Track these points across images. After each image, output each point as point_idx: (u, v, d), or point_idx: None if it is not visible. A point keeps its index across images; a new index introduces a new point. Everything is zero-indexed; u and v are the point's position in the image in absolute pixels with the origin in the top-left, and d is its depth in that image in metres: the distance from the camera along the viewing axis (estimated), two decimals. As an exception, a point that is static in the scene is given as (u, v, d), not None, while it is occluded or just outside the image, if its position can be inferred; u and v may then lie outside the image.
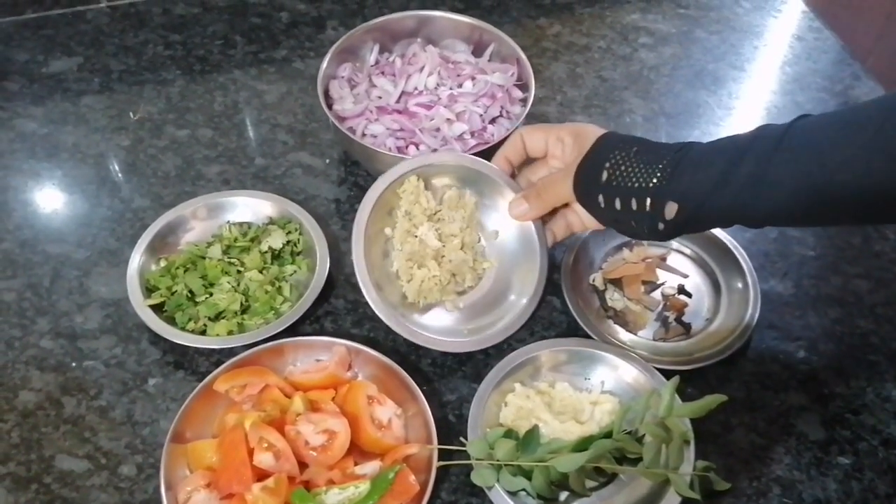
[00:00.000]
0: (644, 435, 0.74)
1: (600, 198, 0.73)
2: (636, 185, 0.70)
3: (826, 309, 0.89)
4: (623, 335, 0.84)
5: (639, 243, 0.92)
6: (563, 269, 0.87)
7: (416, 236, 0.85)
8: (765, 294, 0.88)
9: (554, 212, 0.83)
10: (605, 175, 0.72)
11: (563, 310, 0.87)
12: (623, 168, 0.71)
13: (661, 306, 0.88)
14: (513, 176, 0.86)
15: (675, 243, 0.92)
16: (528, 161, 0.84)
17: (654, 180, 0.69)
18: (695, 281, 0.90)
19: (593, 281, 0.90)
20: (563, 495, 0.74)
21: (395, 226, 0.86)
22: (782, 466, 0.77)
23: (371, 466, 0.73)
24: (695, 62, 1.15)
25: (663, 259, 0.92)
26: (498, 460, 0.72)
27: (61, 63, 1.10)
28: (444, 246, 0.86)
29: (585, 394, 0.79)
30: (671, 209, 0.69)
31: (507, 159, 0.84)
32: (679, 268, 0.91)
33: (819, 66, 1.15)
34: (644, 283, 0.89)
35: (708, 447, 0.78)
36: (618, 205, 0.72)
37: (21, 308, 0.86)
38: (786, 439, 0.79)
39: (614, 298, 0.88)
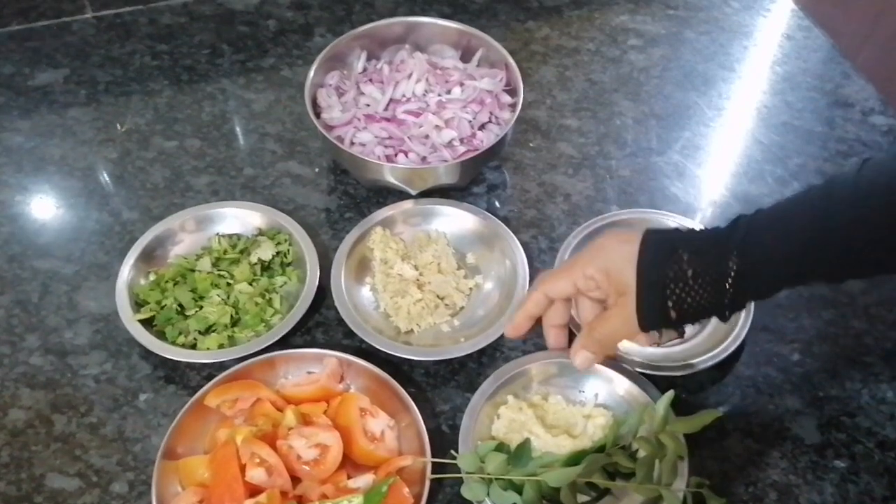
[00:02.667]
0: (637, 450, 0.73)
1: (676, 327, 0.70)
2: (707, 306, 0.65)
3: (819, 310, 0.88)
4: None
5: None
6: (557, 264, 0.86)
7: (394, 275, 0.87)
8: (758, 296, 0.88)
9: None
10: (673, 314, 0.66)
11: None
12: (689, 300, 0.65)
13: None
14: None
15: None
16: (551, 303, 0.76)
17: (726, 300, 0.64)
18: None
19: None
20: None
21: (375, 275, 0.88)
22: (778, 471, 0.77)
23: (364, 479, 0.73)
24: (684, 63, 1.14)
25: None
26: (488, 474, 0.71)
27: (47, 75, 1.09)
28: (421, 274, 0.88)
29: (579, 407, 0.78)
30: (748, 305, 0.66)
31: (530, 318, 0.75)
32: None
33: (809, 64, 1.14)
34: None
35: (703, 452, 0.77)
36: (693, 321, 0.69)
37: (10, 325, 0.85)
38: (781, 444, 0.79)
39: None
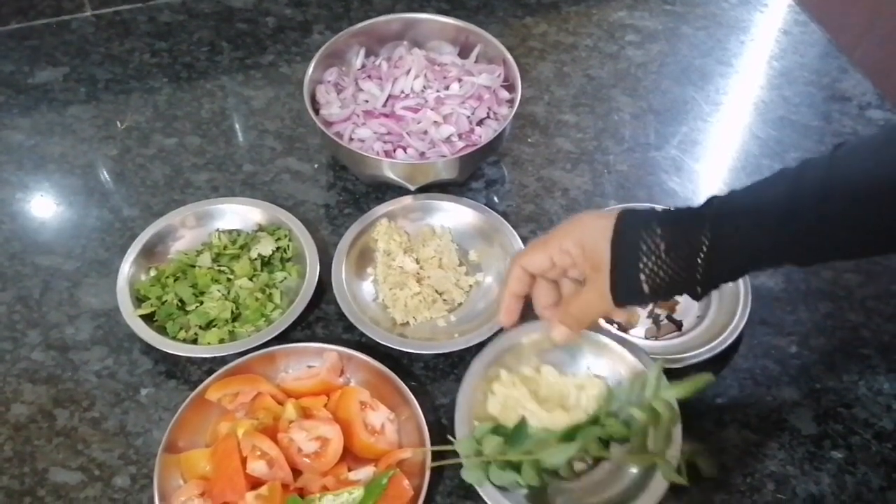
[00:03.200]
0: (631, 418, 0.73)
1: (648, 303, 0.74)
2: (679, 281, 0.65)
3: (817, 303, 0.89)
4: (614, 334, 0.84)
5: None
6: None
7: (395, 267, 0.88)
8: (756, 290, 0.88)
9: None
10: (646, 288, 0.66)
11: (554, 310, 0.87)
12: (661, 274, 0.65)
13: (652, 305, 0.88)
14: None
15: None
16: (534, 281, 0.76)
17: (698, 275, 0.64)
18: None
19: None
20: (553, 481, 0.74)
21: (377, 266, 0.89)
22: (776, 462, 0.77)
23: (365, 472, 0.73)
24: (682, 58, 1.15)
25: None
26: (487, 457, 0.72)
27: (47, 73, 1.09)
28: (421, 268, 0.88)
29: (571, 377, 0.79)
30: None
31: (517, 297, 0.75)
32: None
33: (806, 59, 1.15)
34: None
35: (702, 444, 0.78)
36: (669, 298, 0.71)
37: (11, 321, 0.86)
38: (779, 435, 0.79)
39: None
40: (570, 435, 0.72)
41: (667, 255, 0.64)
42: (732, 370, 0.83)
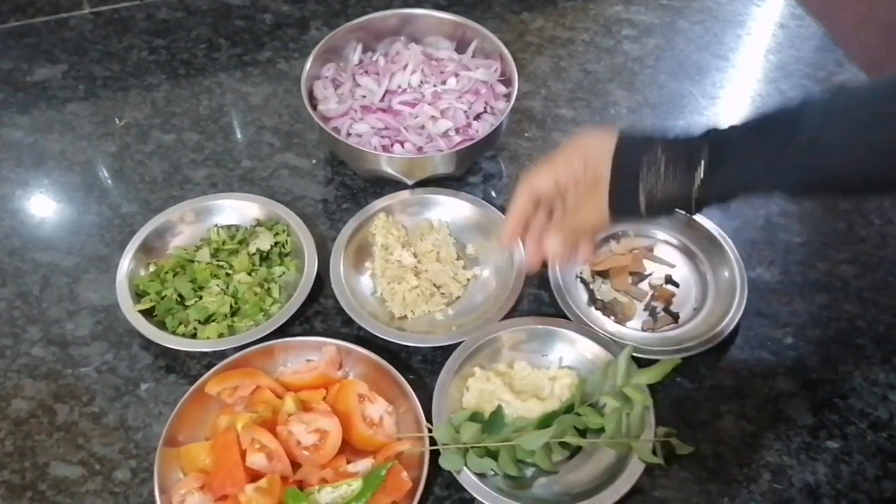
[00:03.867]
0: (605, 405, 0.76)
1: (644, 220, 0.76)
2: (677, 196, 0.67)
3: (813, 295, 0.89)
4: (611, 326, 0.85)
5: (625, 234, 0.93)
6: (549, 261, 0.86)
7: (393, 261, 0.89)
8: (752, 282, 0.89)
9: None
10: (643, 201, 0.68)
11: (550, 303, 0.87)
12: (659, 187, 0.67)
13: (648, 297, 0.88)
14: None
15: (661, 234, 0.92)
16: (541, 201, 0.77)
17: (695, 188, 0.66)
18: (682, 271, 0.91)
19: (580, 273, 0.90)
20: (531, 472, 0.75)
21: (375, 260, 0.90)
22: (772, 452, 0.78)
23: (363, 464, 0.74)
24: (678, 53, 1.15)
25: (650, 250, 0.92)
26: (464, 443, 0.73)
27: (46, 71, 1.10)
28: (419, 262, 0.89)
29: (543, 370, 0.81)
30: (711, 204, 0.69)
31: (521, 218, 0.74)
32: (666, 258, 0.91)
33: (802, 53, 1.15)
34: (631, 273, 0.90)
35: (697, 435, 0.78)
36: (663, 215, 0.72)
37: (12, 317, 0.86)
38: (775, 425, 0.80)
39: (602, 290, 0.89)
40: (545, 422, 0.74)
41: (666, 170, 0.66)
42: (729, 361, 0.84)
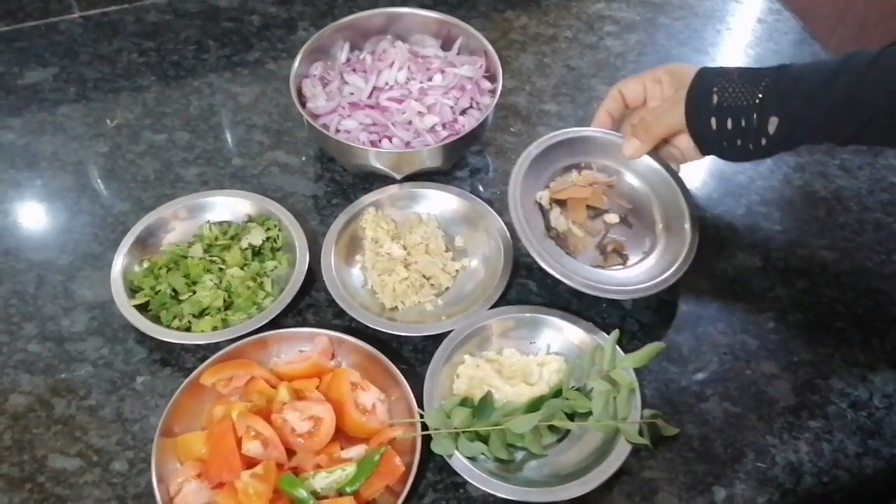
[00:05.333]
0: (592, 389, 0.78)
1: (713, 120, 0.79)
2: (744, 102, 0.76)
3: (794, 280, 0.91)
4: (563, 258, 0.86)
5: (589, 166, 0.93)
6: (511, 182, 0.87)
7: (383, 254, 0.90)
8: (735, 269, 0.92)
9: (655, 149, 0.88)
10: (715, 98, 0.78)
11: (538, 292, 0.89)
12: (731, 89, 0.77)
13: (601, 235, 0.89)
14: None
15: (627, 173, 0.93)
16: (628, 112, 0.91)
17: (760, 96, 0.75)
18: (639, 213, 0.91)
19: (539, 199, 0.90)
20: (520, 455, 0.77)
21: (365, 254, 0.91)
22: (755, 432, 0.80)
23: (356, 450, 0.75)
24: (660, 48, 1.17)
25: (611, 186, 0.92)
26: (455, 428, 0.74)
27: (37, 74, 1.11)
28: (409, 254, 0.91)
29: (532, 357, 0.83)
30: (773, 123, 0.75)
31: (608, 114, 0.90)
32: (627, 197, 0.92)
33: (780, 46, 1.18)
34: (589, 207, 0.90)
35: (683, 417, 0.80)
36: (729, 124, 0.78)
37: (7, 314, 0.87)
38: (758, 406, 0.82)
39: (558, 220, 0.89)
40: (534, 406, 0.77)
41: (738, 80, 0.77)
42: (712, 346, 0.86)
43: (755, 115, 0.76)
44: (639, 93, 0.88)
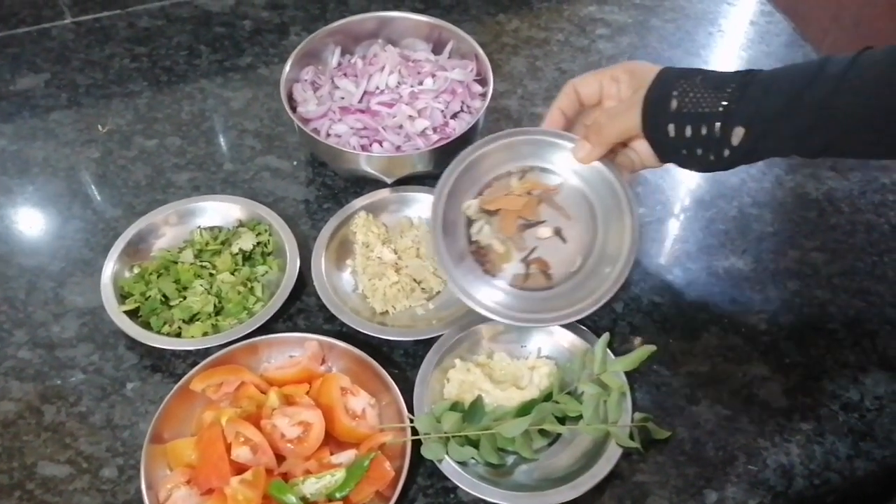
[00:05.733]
0: (582, 393, 0.78)
1: (670, 127, 0.72)
2: (706, 109, 0.70)
3: (785, 282, 0.91)
4: (477, 278, 0.80)
5: (532, 171, 0.83)
6: (437, 192, 0.81)
7: (373, 258, 0.90)
8: (726, 271, 0.92)
9: (610, 153, 0.81)
10: (674, 103, 0.72)
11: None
12: (692, 94, 0.71)
13: (528, 251, 0.81)
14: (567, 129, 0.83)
15: (575, 180, 0.83)
16: (582, 111, 0.83)
17: (724, 103, 0.69)
18: (577, 227, 0.82)
19: (466, 209, 0.83)
20: (511, 459, 0.77)
21: (356, 258, 0.91)
22: (747, 435, 0.80)
23: (346, 455, 0.75)
24: (651, 50, 1.17)
25: (553, 193, 0.83)
26: (446, 433, 0.74)
27: (28, 80, 1.11)
28: (399, 258, 0.90)
29: (522, 361, 0.83)
30: (738, 133, 0.70)
31: (561, 111, 0.82)
32: (568, 208, 0.83)
33: (772, 48, 1.18)
34: (521, 218, 0.82)
35: (674, 420, 0.80)
36: (688, 132, 0.72)
37: (-2, 321, 0.87)
38: (749, 409, 0.82)
39: (483, 231, 0.82)
40: (524, 410, 0.76)
41: (701, 84, 0.71)
42: (704, 348, 0.86)
43: (718, 124, 0.70)
44: (594, 91, 0.80)
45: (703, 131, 0.71)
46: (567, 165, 0.83)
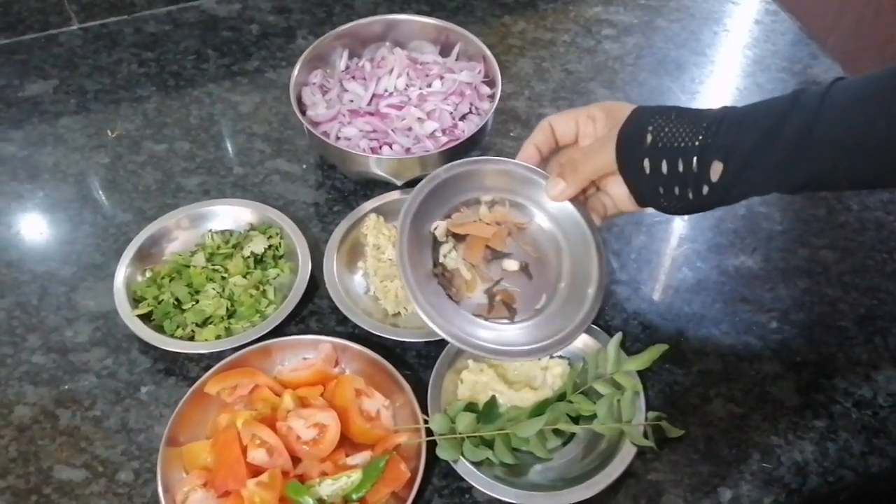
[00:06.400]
0: (596, 393, 0.78)
1: (645, 162, 0.70)
2: (682, 144, 0.68)
3: (795, 280, 0.91)
4: (442, 302, 0.77)
5: (502, 202, 0.82)
6: (405, 208, 0.78)
7: (384, 260, 0.90)
8: (736, 269, 0.92)
9: (583, 194, 0.80)
10: (649, 138, 0.70)
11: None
12: (667, 129, 0.69)
13: (493, 282, 0.80)
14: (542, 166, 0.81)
15: (544, 218, 0.82)
16: (557, 149, 0.81)
17: (700, 138, 0.68)
18: (544, 265, 0.81)
19: (434, 229, 0.81)
20: (526, 459, 0.77)
21: (367, 260, 0.91)
22: (760, 433, 0.80)
23: (362, 457, 0.75)
24: (657, 50, 1.18)
25: (521, 228, 0.82)
26: (460, 433, 0.75)
27: (37, 86, 1.11)
28: None
29: (535, 361, 0.82)
30: (717, 169, 0.67)
31: (536, 147, 0.80)
32: (535, 244, 0.82)
33: (778, 47, 1.18)
34: (488, 248, 0.81)
35: (687, 418, 0.80)
36: (664, 168, 0.70)
37: (11, 326, 0.87)
38: (762, 407, 0.82)
39: (449, 255, 0.80)
40: (539, 410, 0.77)
41: (676, 119, 0.69)
42: (716, 347, 0.86)
43: (695, 159, 0.68)
44: (570, 129, 0.78)
45: (680, 167, 0.69)
46: (538, 202, 0.81)
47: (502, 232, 0.81)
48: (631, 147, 0.71)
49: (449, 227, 0.81)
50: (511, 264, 0.81)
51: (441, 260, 0.80)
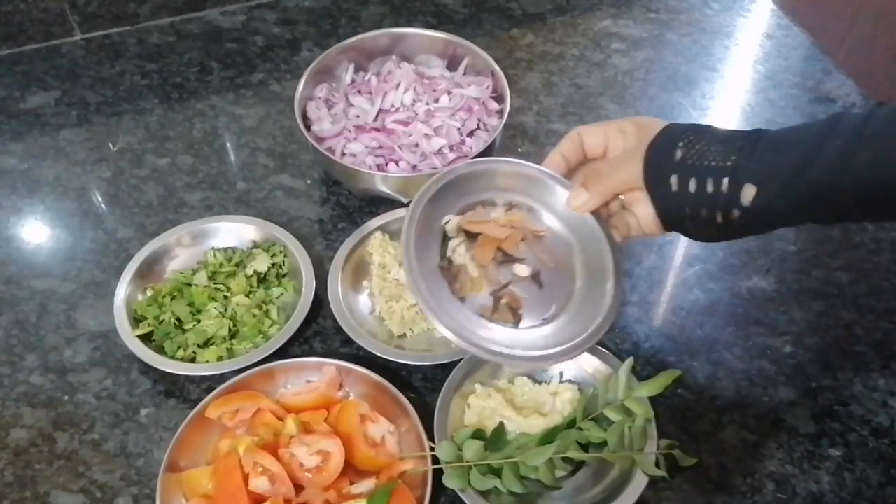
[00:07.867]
0: (607, 419, 0.76)
1: (673, 179, 0.67)
2: (713, 163, 0.65)
3: (810, 302, 0.90)
4: (446, 298, 0.73)
5: (519, 207, 0.79)
6: (416, 198, 0.75)
7: (390, 280, 0.88)
8: (749, 291, 0.90)
9: (606, 208, 0.77)
10: (679, 154, 0.67)
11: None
12: (699, 146, 0.66)
13: (500, 286, 0.76)
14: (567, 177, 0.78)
15: (563, 228, 0.79)
16: (584, 161, 0.78)
17: (733, 157, 0.65)
18: (557, 276, 0.78)
19: (446, 223, 0.77)
20: (535, 487, 0.75)
21: (372, 279, 0.89)
22: (775, 462, 0.78)
23: (366, 485, 0.73)
24: (668, 65, 1.16)
25: (538, 236, 0.79)
26: (468, 461, 0.73)
27: (38, 98, 1.10)
28: None
29: (544, 386, 0.81)
30: (748, 193, 0.64)
31: (563, 157, 0.77)
32: (550, 254, 0.78)
33: (790, 62, 1.16)
34: (500, 250, 0.77)
35: (700, 446, 0.78)
36: (692, 186, 0.66)
37: (9, 345, 0.86)
38: (777, 434, 0.80)
39: (458, 250, 0.77)
40: (548, 438, 0.74)
41: (708, 137, 0.67)
42: (728, 372, 0.84)
43: (726, 180, 0.64)
44: (599, 142, 0.75)
45: (710, 187, 0.65)
46: (558, 211, 0.78)
47: (516, 235, 0.78)
48: (659, 161, 0.68)
49: (461, 224, 0.78)
50: (522, 270, 0.77)
51: (449, 254, 0.77)
